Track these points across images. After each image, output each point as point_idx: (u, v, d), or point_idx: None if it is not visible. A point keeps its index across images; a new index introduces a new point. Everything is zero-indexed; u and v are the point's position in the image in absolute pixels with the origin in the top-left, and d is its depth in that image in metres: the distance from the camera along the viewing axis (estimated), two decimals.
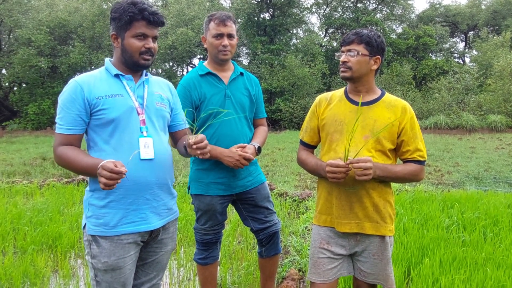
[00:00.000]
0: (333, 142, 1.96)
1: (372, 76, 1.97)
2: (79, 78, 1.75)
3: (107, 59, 1.88)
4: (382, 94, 1.98)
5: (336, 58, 1.99)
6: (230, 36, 2.33)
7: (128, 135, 1.73)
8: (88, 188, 1.79)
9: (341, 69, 1.93)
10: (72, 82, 1.74)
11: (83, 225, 1.79)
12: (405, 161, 1.95)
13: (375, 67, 1.94)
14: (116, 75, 1.80)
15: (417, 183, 6.72)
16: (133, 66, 1.81)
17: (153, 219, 1.80)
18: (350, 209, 1.93)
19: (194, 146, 1.71)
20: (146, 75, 1.89)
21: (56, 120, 1.74)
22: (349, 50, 1.90)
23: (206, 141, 1.74)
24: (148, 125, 1.80)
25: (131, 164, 1.68)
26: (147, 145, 1.76)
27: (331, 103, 2.03)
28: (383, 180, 1.90)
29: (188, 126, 2.07)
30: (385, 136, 1.90)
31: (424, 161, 1.94)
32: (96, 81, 1.76)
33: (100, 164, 1.55)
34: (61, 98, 1.73)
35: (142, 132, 1.77)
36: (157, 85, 1.93)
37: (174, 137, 2.05)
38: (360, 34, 1.89)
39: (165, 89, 1.97)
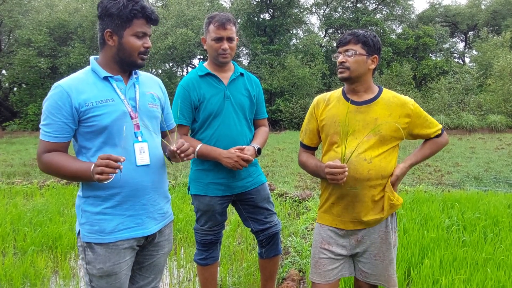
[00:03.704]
0: (333, 143, 1.96)
1: (370, 76, 1.97)
2: (64, 83, 1.63)
3: (92, 58, 1.74)
4: (380, 92, 1.98)
5: (333, 59, 1.99)
6: (229, 39, 2.31)
7: (122, 141, 1.66)
8: (80, 193, 1.72)
9: (339, 70, 1.93)
10: (57, 87, 1.62)
11: (76, 231, 1.74)
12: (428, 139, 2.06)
13: (372, 66, 1.94)
14: (105, 78, 1.69)
15: (416, 184, 6.72)
16: (128, 66, 1.73)
17: (149, 224, 1.76)
18: (352, 208, 1.94)
19: (179, 151, 1.70)
20: (135, 73, 1.79)
21: (41, 126, 1.65)
22: (346, 51, 1.90)
23: (186, 143, 1.73)
24: (142, 129, 1.74)
25: (127, 170, 1.65)
26: (142, 151, 1.71)
27: (329, 104, 2.02)
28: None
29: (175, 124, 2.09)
30: (388, 133, 1.90)
31: (443, 128, 2.06)
32: (84, 86, 1.64)
33: (94, 163, 1.53)
34: (45, 104, 1.62)
35: (137, 137, 1.71)
36: (147, 84, 1.85)
37: (161, 136, 1.98)
38: (356, 34, 1.90)
39: (155, 87, 1.89)
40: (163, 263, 1.93)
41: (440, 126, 2.05)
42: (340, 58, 1.92)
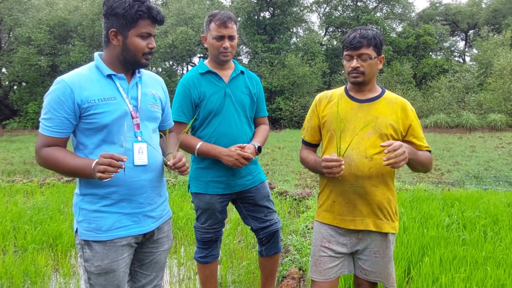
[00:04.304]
0: (334, 140, 1.96)
1: (376, 75, 1.99)
2: (67, 78, 1.62)
3: (96, 55, 1.74)
4: (383, 92, 2.00)
5: (344, 62, 1.95)
6: (231, 37, 2.31)
7: (121, 140, 1.66)
8: (77, 191, 1.72)
9: (353, 75, 1.90)
10: (60, 82, 1.61)
11: (74, 229, 1.74)
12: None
13: (380, 66, 1.96)
14: (109, 75, 1.69)
15: (416, 182, 6.72)
16: (132, 66, 1.73)
17: (146, 222, 1.76)
18: (353, 206, 1.94)
19: (173, 167, 1.74)
20: (138, 72, 1.79)
21: (41, 120, 1.64)
22: (359, 55, 1.88)
23: (183, 159, 1.77)
24: (142, 129, 1.74)
25: (125, 169, 1.64)
26: (141, 151, 1.71)
27: (331, 101, 2.03)
28: (410, 162, 1.88)
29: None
30: (388, 132, 1.90)
31: (430, 151, 2.02)
32: (87, 82, 1.64)
33: (95, 161, 1.53)
34: (47, 98, 1.62)
35: (136, 137, 1.71)
36: (149, 84, 1.84)
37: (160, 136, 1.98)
38: (368, 37, 1.86)
39: (157, 87, 1.88)
40: (163, 260, 1.93)
41: (429, 147, 2.00)
42: (355, 63, 1.88)
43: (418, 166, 1.93)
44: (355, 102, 1.96)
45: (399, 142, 1.75)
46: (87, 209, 1.68)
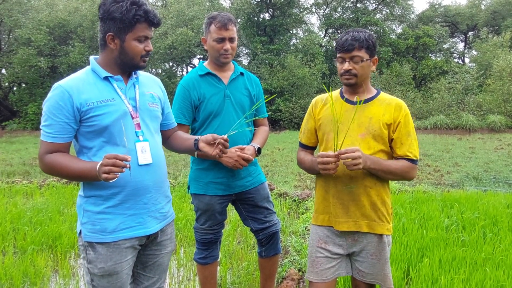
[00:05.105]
0: (329, 141, 1.98)
1: (369, 77, 2.00)
2: (65, 83, 1.63)
3: (92, 58, 1.75)
4: (378, 93, 2.01)
5: (336, 64, 1.96)
6: (231, 39, 2.32)
7: (123, 141, 1.66)
8: (81, 193, 1.72)
9: (346, 77, 1.91)
10: (58, 87, 1.62)
11: (78, 231, 1.74)
12: (397, 158, 1.94)
13: (374, 68, 1.97)
14: (105, 78, 1.70)
15: (416, 184, 6.72)
16: (130, 68, 1.74)
17: (151, 223, 1.77)
18: (347, 207, 1.94)
19: (222, 143, 1.81)
20: (135, 73, 1.80)
21: (42, 127, 1.64)
22: (351, 58, 1.89)
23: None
24: (143, 129, 1.74)
25: (129, 170, 1.65)
26: (144, 150, 1.71)
27: (326, 103, 2.05)
28: (375, 173, 1.87)
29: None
30: (382, 132, 1.91)
31: (416, 160, 1.93)
32: (85, 86, 1.65)
33: (100, 162, 1.54)
34: (46, 105, 1.62)
35: (138, 137, 1.72)
36: (147, 84, 1.85)
37: (164, 135, 1.99)
38: (360, 39, 1.87)
39: (155, 87, 1.89)
40: (166, 262, 1.93)
41: (417, 156, 1.92)
42: (347, 65, 1.89)
43: (387, 175, 1.89)
44: (349, 104, 1.97)
45: (357, 148, 1.77)
46: (91, 210, 1.68)
